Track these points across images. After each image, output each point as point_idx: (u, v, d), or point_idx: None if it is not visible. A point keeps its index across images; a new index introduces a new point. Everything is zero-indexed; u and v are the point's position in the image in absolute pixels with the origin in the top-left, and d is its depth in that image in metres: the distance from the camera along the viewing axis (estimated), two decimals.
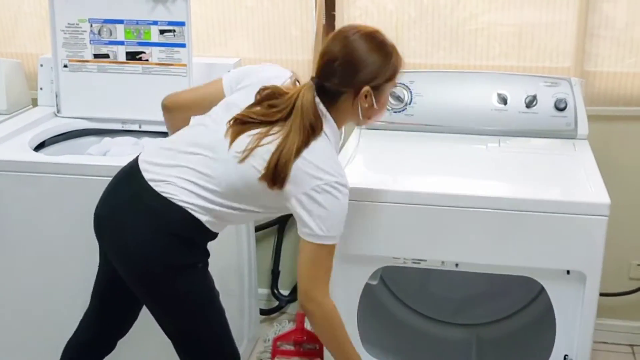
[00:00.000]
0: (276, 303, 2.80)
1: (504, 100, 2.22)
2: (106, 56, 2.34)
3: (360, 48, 1.63)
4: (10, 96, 2.48)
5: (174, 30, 2.27)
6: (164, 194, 1.61)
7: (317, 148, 1.58)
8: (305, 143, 1.57)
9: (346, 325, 1.94)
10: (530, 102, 2.20)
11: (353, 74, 1.62)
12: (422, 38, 2.48)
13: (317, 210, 1.56)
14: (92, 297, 1.85)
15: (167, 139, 1.77)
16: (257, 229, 2.67)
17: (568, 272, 1.84)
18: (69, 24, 2.34)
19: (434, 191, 1.85)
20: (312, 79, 1.66)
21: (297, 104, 1.60)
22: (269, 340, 2.61)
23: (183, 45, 2.27)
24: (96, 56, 2.35)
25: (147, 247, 1.62)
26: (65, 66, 2.37)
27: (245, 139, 1.59)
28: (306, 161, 1.56)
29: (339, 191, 1.57)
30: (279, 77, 1.71)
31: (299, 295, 1.69)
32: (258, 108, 1.63)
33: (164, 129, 2.19)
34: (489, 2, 2.40)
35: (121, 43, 2.32)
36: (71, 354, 1.87)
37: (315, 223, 1.56)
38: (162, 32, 2.27)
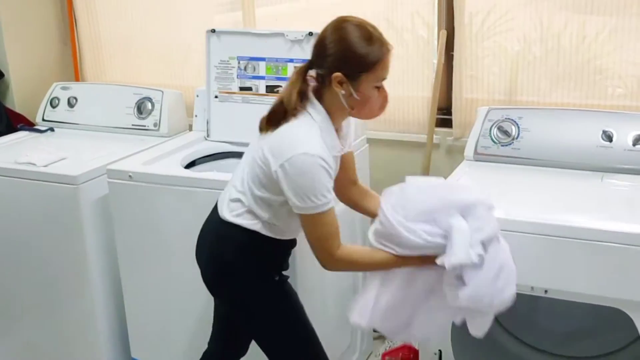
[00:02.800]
0: None
1: (609, 138, 2.28)
2: (249, 89, 2.68)
3: (332, 35, 1.74)
4: (171, 122, 2.91)
5: None
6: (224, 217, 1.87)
7: (295, 125, 1.74)
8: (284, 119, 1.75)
9: (440, 344, 2.11)
10: (637, 140, 2.24)
11: (323, 55, 1.74)
12: (544, 77, 2.60)
13: (292, 183, 1.71)
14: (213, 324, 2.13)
15: None
16: None
17: None
18: (221, 60, 2.71)
19: (525, 219, 1.97)
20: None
21: (286, 86, 1.80)
22: (379, 355, 2.79)
23: None
24: (241, 89, 2.70)
25: (222, 262, 1.91)
26: (216, 97, 2.73)
27: None
28: (279, 136, 1.75)
29: (306, 162, 1.69)
30: None
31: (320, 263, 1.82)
32: None
33: None
34: (614, 43, 2.47)
35: (262, 78, 2.65)
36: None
37: (294, 196, 1.71)
38: None
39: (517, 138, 2.39)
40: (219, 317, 2.11)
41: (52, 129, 3.05)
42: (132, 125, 2.93)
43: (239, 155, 2.70)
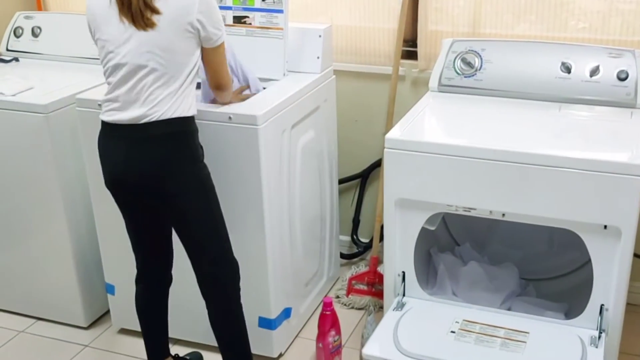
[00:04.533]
0: (357, 249, 3.10)
1: (568, 69, 2.36)
2: None
3: None
4: None
5: None
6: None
7: None
8: None
9: (404, 266, 2.22)
10: (594, 72, 2.33)
11: None
12: (508, 10, 2.65)
13: (212, 17, 1.98)
14: (133, 247, 2.21)
15: None
16: (341, 181, 2.97)
17: (605, 227, 1.99)
18: None
19: (485, 146, 2.05)
20: None
21: None
22: (345, 279, 2.91)
23: (281, 11, 2.57)
24: None
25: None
26: None
27: None
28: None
29: None
30: None
31: (216, 95, 2.22)
32: None
33: (262, 84, 2.52)
34: None
35: (229, 8, 2.64)
36: (141, 303, 2.27)
37: (214, 28, 2.00)
38: None
39: (479, 69, 2.46)
40: (144, 233, 2.19)
41: (16, 59, 3.02)
42: (98, 55, 2.91)
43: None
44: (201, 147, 2.09)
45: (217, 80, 2.14)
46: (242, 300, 2.19)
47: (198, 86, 2.13)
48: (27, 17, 3.09)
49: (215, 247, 2.12)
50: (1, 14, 3.20)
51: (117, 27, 1.96)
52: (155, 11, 1.92)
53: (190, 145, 2.04)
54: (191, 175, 2.04)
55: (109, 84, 2.03)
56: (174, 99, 1.97)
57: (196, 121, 2.14)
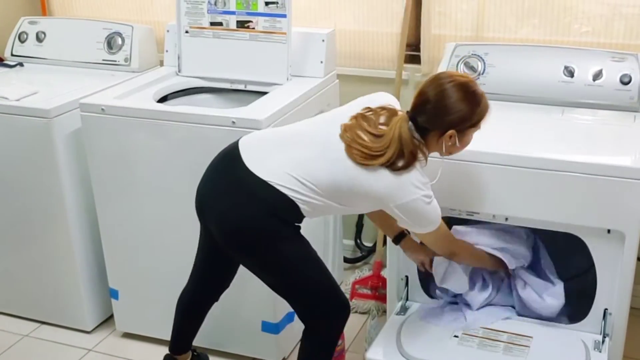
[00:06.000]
0: (361, 254, 3.10)
1: (570, 73, 2.36)
2: (220, 24, 2.69)
3: (452, 96, 1.82)
4: (142, 57, 2.92)
5: (277, 2, 2.58)
6: (268, 181, 1.85)
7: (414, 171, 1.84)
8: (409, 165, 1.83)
9: (407, 270, 2.29)
10: (597, 76, 2.33)
11: (442, 118, 1.83)
12: (511, 14, 2.65)
13: (413, 217, 1.87)
14: (196, 260, 2.16)
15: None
16: None
17: (609, 231, 1.99)
18: None
19: (489, 150, 2.05)
20: (407, 112, 1.88)
21: (395, 132, 1.82)
22: (349, 283, 2.90)
23: (284, 16, 2.58)
24: (212, 24, 2.70)
25: (249, 222, 1.89)
26: (187, 32, 2.74)
27: None
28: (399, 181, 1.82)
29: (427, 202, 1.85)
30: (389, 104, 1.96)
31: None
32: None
33: (266, 88, 2.53)
34: None
35: (233, 13, 2.66)
36: (184, 301, 2.24)
37: (416, 224, 1.90)
38: (267, 3, 2.59)
39: (482, 73, 2.46)
40: (208, 253, 2.12)
41: (21, 64, 3.04)
42: (103, 60, 2.94)
43: (210, 90, 2.78)
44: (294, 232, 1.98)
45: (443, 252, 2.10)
46: (246, 305, 2.18)
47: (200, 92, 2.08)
48: (31, 23, 3.10)
49: (301, 302, 2.04)
50: (6, 19, 3.21)
51: None
52: None
53: (284, 225, 1.94)
54: (272, 255, 1.96)
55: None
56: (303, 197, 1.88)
57: (199, 125, 2.14)
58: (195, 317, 2.27)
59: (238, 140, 1.97)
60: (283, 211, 1.88)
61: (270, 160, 1.89)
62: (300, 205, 1.88)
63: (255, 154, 1.91)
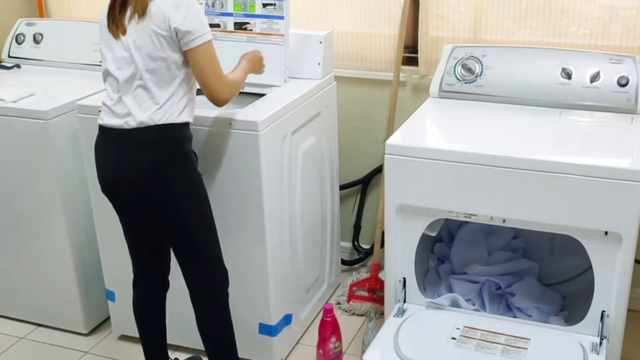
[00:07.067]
0: (358, 256, 3.09)
1: (568, 75, 2.36)
2: (217, 26, 2.68)
3: None
4: None
5: (275, 4, 2.58)
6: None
7: None
8: None
9: (404, 272, 2.22)
10: (594, 78, 2.33)
11: None
12: (508, 16, 2.65)
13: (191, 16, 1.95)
14: (131, 253, 2.22)
15: None
16: (342, 187, 2.96)
17: (606, 233, 1.99)
18: None
19: (486, 152, 2.05)
20: None
21: None
22: (346, 286, 2.90)
23: (282, 18, 2.58)
24: (210, 25, 2.67)
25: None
26: None
27: None
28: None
29: None
30: None
31: (215, 101, 2.07)
32: None
33: (263, 90, 2.53)
34: None
35: (230, 15, 2.65)
36: (140, 308, 2.27)
37: (195, 25, 1.96)
38: (265, 5, 2.59)
39: (480, 75, 2.46)
40: (140, 238, 2.19)
41: (18, 66, 3.03)
42: (100, 62, 2.92)
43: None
44: (195, 154, 2.09)
45: (211, 92, 2.06)
46: (242, 307, 2.19)
47: (200, 93, 2.13)
48: (28, 24, 3.10)
49: (205, 253, 2.13)
50: (3, 21, 3.21)
51: (108, 35, 2.01)
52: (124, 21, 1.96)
53: (181, 152, 2.04)
54: (181, 182, 2.03)
55: (106, 89, 2.06)
56: (165, 105, 1.98)
57: (196, 127, 2.14)
58: (157, 319, 2.29)
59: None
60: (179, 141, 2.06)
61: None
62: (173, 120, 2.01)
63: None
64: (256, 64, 2.34)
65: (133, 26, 1.96)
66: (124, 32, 1.97)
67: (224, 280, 2.17)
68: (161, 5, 1.94)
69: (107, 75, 2.04)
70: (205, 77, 2.01)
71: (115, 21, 1.99)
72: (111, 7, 2.01)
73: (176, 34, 1.95)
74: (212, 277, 2.15)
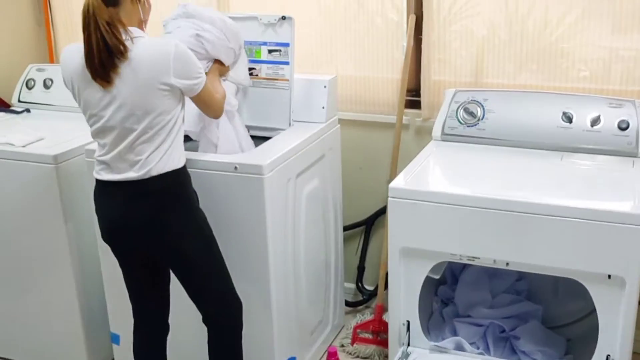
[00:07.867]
0: (362, 297, 3.09)
1: (569, 119, 2.39)
2: None
3: None
4: None
5: (280, 50, 2.64)
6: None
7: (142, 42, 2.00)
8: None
9: (408, 315, 2.23)
10: (595, 121, 2.36)
11: None
12: (509, 60, 2.70)
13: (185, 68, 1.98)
14: (131, 297, 2.24)
15: None
16: (346, 228, 2.98)
17: (609, 276, 1.99)
18: None
19: (489, 196, 2.07)
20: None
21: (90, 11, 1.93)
22: (350, 327, 2.89)
23: (287, 63, 2.63)
24: None
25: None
26: None
27: None
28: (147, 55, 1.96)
29: (183, 47, 2.00)
30: None
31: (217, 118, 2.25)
32: None
33: (269, 134, 2.56)
34: (579, 26, 2.56)
35: None
36: (142, 347, 2.27)
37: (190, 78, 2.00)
38: (270, 51, 2.65)
39: (482, 119, 2.49)
40: (140, 283, 2.22)
41: (28, 110, 3.09)
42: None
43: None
44: (195, 193, 2.13)
45: (213, 114, 2.22)
46: (246, 349, 2.19)
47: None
48: (39, 70, 3.17)
49: (218, 286, 2.15)
50: (14, 66, 3.27)
51: (96, 89, 1.97)
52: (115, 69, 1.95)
53: (185, 194, 2.08)
54: (188, 220, 2.07)
55: (98, 144, 2.06)
56: (164, 154, 2.00)
57: (202, 171, 2.17)
58: None
59: None
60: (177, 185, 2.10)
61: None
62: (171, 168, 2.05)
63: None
64: (222, 69, 2.44)
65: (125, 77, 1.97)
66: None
67: (238, 311, 2.19)
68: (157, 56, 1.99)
69: (100, 131, 2.03)
70: (208, 110, 2.18)
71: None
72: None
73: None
74: (227, 309, 2.18)
